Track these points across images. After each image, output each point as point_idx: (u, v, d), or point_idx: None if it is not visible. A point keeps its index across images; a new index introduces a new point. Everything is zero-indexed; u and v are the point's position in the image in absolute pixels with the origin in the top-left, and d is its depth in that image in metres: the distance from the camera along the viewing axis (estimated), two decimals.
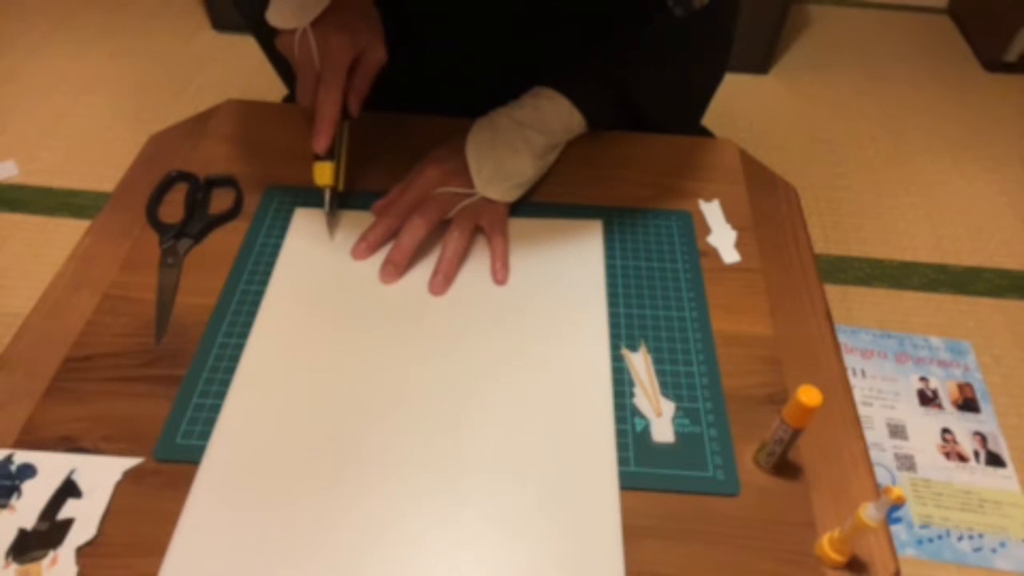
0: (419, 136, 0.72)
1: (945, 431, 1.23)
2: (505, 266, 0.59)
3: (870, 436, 1.21)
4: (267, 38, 0.62)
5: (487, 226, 0.61)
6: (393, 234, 0.60)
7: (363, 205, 0.65)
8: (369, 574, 0.44)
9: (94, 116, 1.73)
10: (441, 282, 0.58)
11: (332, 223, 0.63)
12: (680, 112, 0.74)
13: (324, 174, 0.60)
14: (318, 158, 0.60)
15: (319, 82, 0.58)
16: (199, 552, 0.44)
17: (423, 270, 0.60)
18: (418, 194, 0.60)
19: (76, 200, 1.53)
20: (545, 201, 0.66)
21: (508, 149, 0.62)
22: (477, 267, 0.60)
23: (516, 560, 0.44)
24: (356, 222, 0.62)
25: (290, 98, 0.87)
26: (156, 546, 0.45)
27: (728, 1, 0.70)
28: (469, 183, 0.60)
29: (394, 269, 0.58)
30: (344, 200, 0.64)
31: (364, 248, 0.60)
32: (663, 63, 0.70)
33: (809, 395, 0.43)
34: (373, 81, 0.62)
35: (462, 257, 0.59)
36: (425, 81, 0.77)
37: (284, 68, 0.70)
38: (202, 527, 0.45)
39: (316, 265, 0.59)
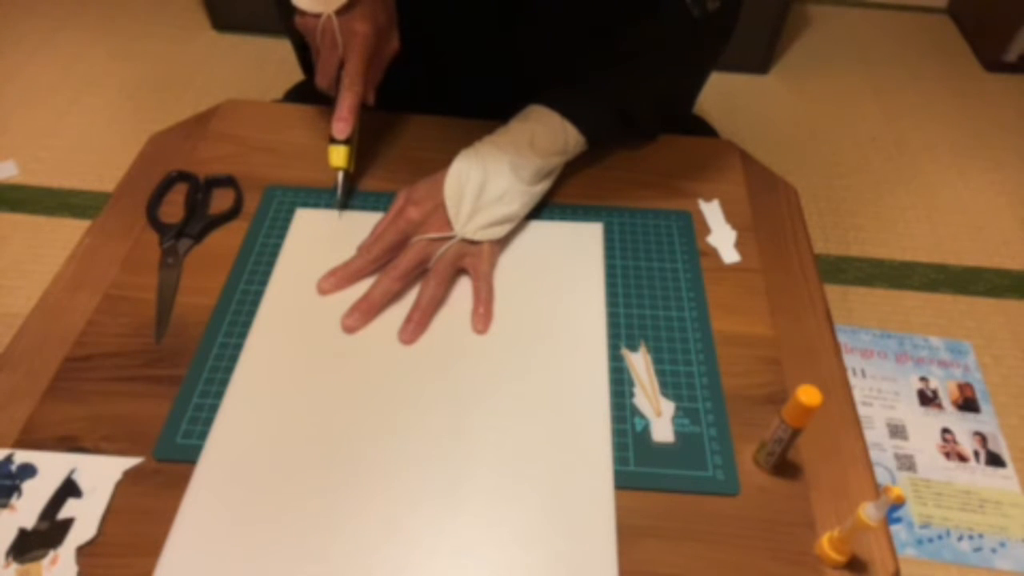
0: (421, 137, 0.72)
1: (945, 431, 1.23)
2: (488, 314, 0.56)
3: (870, 436, 1.21)
4: (286, 8, 0.63)
5: (469, 269, 0.59)
6: (364, 276, 0.58)
7: (364, 205, 0.65)
8: (366, 575, 0.44)
9: (94, 116, 1.73)
10: (412, 331, 0.55)
11: (341, 207, 0.64)
12: (669, 118, 0.73)
13: (340, 156, 0.62)
14: (334, 141, 0.61)
15: (342, 69, 0.60)
16: (194, 552, 0.44)
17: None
18: (395, 238, 0.58)
19: (76, 200, 1.53)
20: (545, 201, 0.65)
21: (491, 184, 0.59)
22: None
23: (512, 562, 0.44)
24: (357, 223, 0.62)
25: (291, 97, 0.87)
26: (156, 546, 0.45)
27: (732, 7, 0.69)
28: (448, 225, 0.58)
29: (360, 317, 0.56)
30: (348, 200, 0.65)
31: (333, 283, 0.58)
32: (661, 71, 0.69)
33: (809, 395, 0.43)
34: (386, 69, 0.63)
35: (437, 307, 0.57)
36: (431, 80, 0.77)
37: (299, 41, 0.70)
38: (198, 527, 0.45)
39: (316, 265, 0.59)
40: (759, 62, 1.92)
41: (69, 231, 1.47)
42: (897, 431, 1.23)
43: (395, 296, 0.57)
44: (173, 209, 0.65)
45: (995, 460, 1.20)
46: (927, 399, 1.27)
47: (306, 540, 0.45)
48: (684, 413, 0.52)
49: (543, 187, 0.63)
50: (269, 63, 1.89)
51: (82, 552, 0.45)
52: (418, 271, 0.58)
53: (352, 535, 0.45)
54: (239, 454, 0.48)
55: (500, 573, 0.44)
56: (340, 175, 0.64)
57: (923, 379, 1.30)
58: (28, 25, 1.97)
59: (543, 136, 0.62)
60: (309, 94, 0.77)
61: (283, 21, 0.71)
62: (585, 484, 0.48)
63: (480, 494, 0.47)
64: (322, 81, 0.62)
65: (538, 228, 0.63)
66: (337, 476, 0.48)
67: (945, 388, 1.29)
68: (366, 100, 0.62)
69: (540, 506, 0.47)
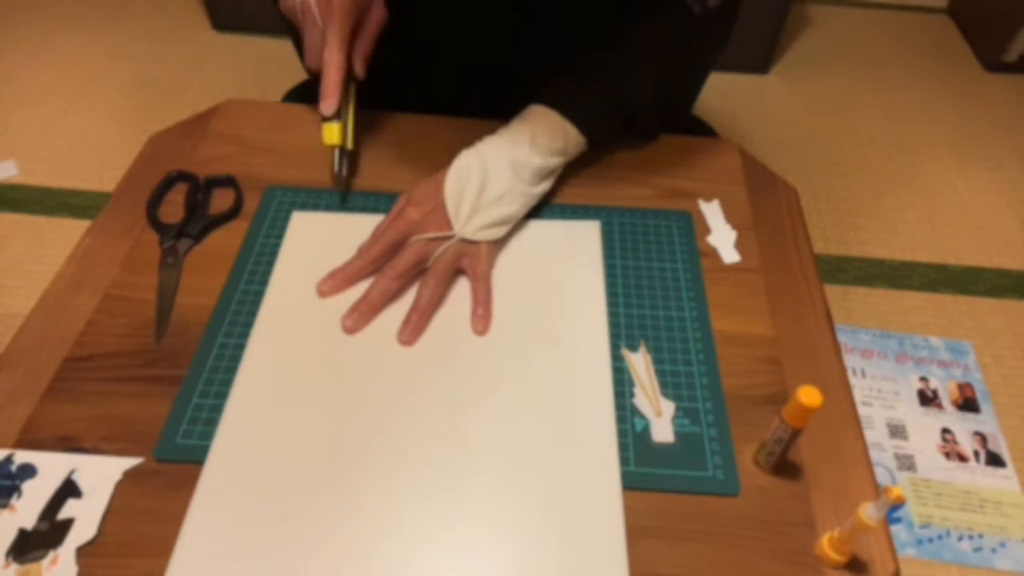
0: (421, 137, 0.72)
1: (945, 431, 1.23)
2: (487, 314, 0.56)
3: (870, 436, 1.21)
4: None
5: (467, 269, 0.58)
6: (364, 277, 0.58)
7: (364, 206, 0.65)
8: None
9: (94, 116, 1.73)
10: (411, 332, 0.55)
11: (345, 189, 0.65)
12: (668, 118, 0.73)
13: (332, 134, 0.61)
14: (326, 119, 0.61)
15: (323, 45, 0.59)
16: (204, 555, 0.44)
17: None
18: (394, 239, 0.58)
19: (76, 200, 1.53)
20: (544, 201, 0.65)
21: (491, 184, 0.59)
22: None
23: (519, 563, 0.44)
24: (354, 225, 0.62)
25: (291, 97, 0.87)
26: (156, 546, 0.45)
27: (732, 4, 0.69)
28: (448, 225, 0.58)
29: (358, 318, 0.56)
30: (351, 180, 0.66)
31: (331, 285, 0.58)
32: (661, 69, 0.69)
33: (809, 395, 0.43)
34: (376, 41, 0.62)
35: (435, 307, 0.57)
36: (431, 79, 0.77)
37: (295, 35, 0.71)
38: (206, 530, 0.45)
39: (315, 267, 0.59)
40: (759, 62, 1.92)
41: (69, 231, 1.47)
42: (897, 431, 1.23)
43: (393, 296, 0.57)
44: (173, 209, 0.65)
45: (995, 460, 1.20)
46: (927, 399, 1.27)
47: (311, 540, 0.45)
48: (684, 413, 0.52)
49: (543, 188, 0.63)
50: (269, 63, 1.89)
51: (82, 552, 0.45)
52: (416, 271, 0.58)
53: (356, 535, 0.45)
54: (244, 458, 0.48)
55: (502, 574, 0.44)
56: (336, 153, 0.63)
57: (923, 379, 1.30)
58: (28, 26, 1.97)
59: (543, 136, 0.61)
60: (309, 94, 0.77)
61: (282, 19, 0.71)
62: (591, 485, 0.48)
63: (486, 496, 0.47)
64: (310, 61, 0.62)
65: (535, 227, 0.63)
66: (341, 477, 0.48)
67: (945, 388, 1.29)
68: (355, 73, 0.61)
69: (544, 507, 0.47)
